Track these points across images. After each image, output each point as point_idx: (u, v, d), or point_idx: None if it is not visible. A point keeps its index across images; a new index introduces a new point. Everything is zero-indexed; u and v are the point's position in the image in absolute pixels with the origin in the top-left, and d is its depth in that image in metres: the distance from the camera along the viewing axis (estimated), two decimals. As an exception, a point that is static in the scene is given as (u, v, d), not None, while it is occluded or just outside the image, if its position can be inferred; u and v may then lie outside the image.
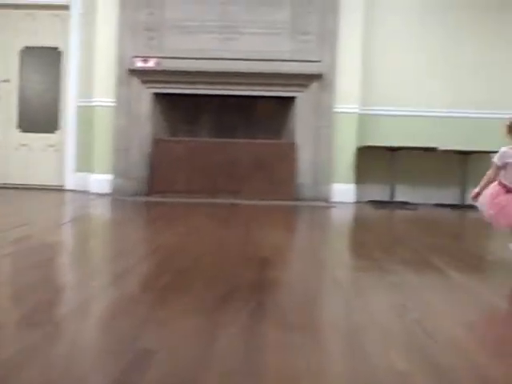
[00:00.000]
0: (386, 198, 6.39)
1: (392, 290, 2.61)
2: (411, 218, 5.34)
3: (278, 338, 1.82)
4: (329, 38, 6.38)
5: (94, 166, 6.59)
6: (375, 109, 6.58)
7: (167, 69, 6.36)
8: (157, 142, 6.35)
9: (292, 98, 6.45)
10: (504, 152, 3.20)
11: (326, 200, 6.36)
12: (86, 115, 6.74)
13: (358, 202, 6.42)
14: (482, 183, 3.29)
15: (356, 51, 6.45)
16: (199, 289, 2.42)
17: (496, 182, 3.24)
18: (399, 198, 6.41)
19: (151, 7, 6.42)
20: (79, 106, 6.85)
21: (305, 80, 6.36)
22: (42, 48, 7.10)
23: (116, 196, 6.21)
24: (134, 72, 6.40)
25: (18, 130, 7.09)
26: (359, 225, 5.23)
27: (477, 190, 3.30)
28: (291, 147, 6.33)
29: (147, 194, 6.31)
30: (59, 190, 6.80)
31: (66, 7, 6.91)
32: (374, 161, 6.54)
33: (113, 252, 3.43)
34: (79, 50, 6.88)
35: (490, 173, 3.27)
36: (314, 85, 6.37)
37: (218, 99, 6.52)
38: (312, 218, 5.42)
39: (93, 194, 6.42)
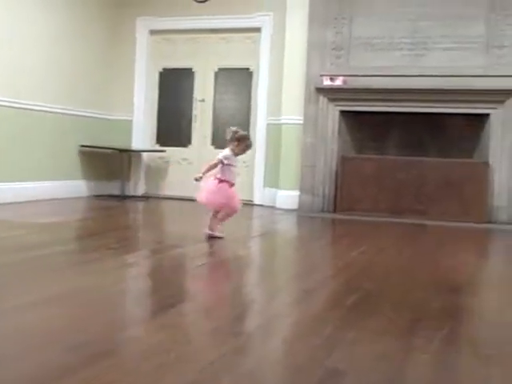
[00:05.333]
0: None
1: None
2: None
3: (472, 370, 1.73)
4: (528, 50, 5.98)
5: (281, 182, 6.76)
6: None
7: (354, 87, 6.36)
8: (343, 160, 6.36)
9: (485, 116, 6.13)
10: None
11: (524, 225, 5.93)
12: (274, 132, 6.95)
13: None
14: None
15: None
16: (387, 311, 2.37)
17: None
18: None
19: (338, 26, 6.48)
20: (268, 124, 7.08)
21: (500, 96, 6.01)
22: (235, 69, 7.45)
23: (302, 212, 6.30)
24: (321, 90, 6.47)
25: (212, 146, 7.49)
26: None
27: None
28: (484, 167, 6.01)
29: (332, 212, 6.34)
30: (248, 204, 7.05)
31: (257, 29, 7.19)
32: None
33: (300, 268, 3.48)
34: (269, 70, 7.12)
35: None
36: (511, 101, 6.00)
37: (405, 116, 6.38)
38: (508, 243, 5.09)
39: (279, 209, 6.57)
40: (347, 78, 6.40)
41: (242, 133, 4.13)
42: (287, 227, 5.51)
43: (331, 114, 6.50)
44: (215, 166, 4.04)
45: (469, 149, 6.34)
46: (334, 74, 6.44)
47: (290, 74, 6.72)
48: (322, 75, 6.47)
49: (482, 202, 5.97)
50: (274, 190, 6.87)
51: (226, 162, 4.02)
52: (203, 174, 4.00)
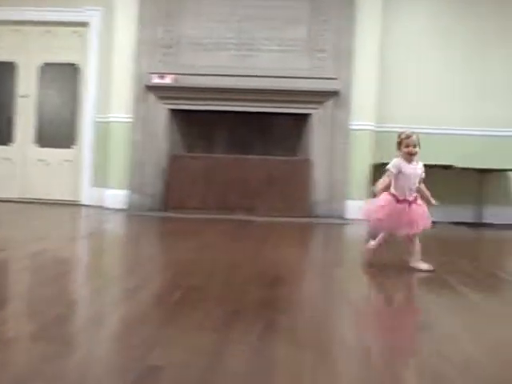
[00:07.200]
0: (401, 216, 6.33)
1: (406, 309, 2.59)
2: (426, 236, 5.28)
3: (287, 357, 1.82)
4: (345, 55, 6.40)
5: (109, 182, 6.63)
6: (391, 126, 6.56)
7: (183, 85, 6.41)
8: (172, 158, 6.38)
9: (307, 115, 6.47)
10: None
11: (341, 217, 6.34)
12: (102, 131, 6.80)
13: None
14: None
15: (372, 68, 6.47)
16: (210, 306, 2.42)
17: None
18: (415, 215, 6.33)
19: (168, 25, 6.49)
20: (96, 122, 6.92)
21: (321, 97, 6.38)
22: (61, 64, 7.18)
23: (131, 211, 6.24)
24: (151, 88, 6.45)
25: (36, 145, 7.17)
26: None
27: None
28: (306, 164, 6.34)
29: (162, 210, 6.34)
30: (75, 204, 6.85)
31: (84, 24, 7.00)
32: (389, 178, 6.49)
33: (126, 267, 3.44)
34: (97, 67, 6.96)
35: None
36: (330, 102, 6.38)
37: (234, 116, 6.55)
38: (326, 235, 5.41)
39: (108, 209, 6.46)
40: (177, 76, 6.43)
41: (402, 135, 3.64)
42: (115, 227, 5.42)
43: (160, 112, 6.50)
44: (388, 178, 3.53)
45: (293, 147, 6.65)
46: (163, 72, 6.44)
47: (119, 71, 6.62)
48: (151, 73, 6.45)
49: (304, 198, 6.29)
50: (102, 189, 6.73)
51: (394, 170, 3.51)
52: (379, 189, 3.51)
